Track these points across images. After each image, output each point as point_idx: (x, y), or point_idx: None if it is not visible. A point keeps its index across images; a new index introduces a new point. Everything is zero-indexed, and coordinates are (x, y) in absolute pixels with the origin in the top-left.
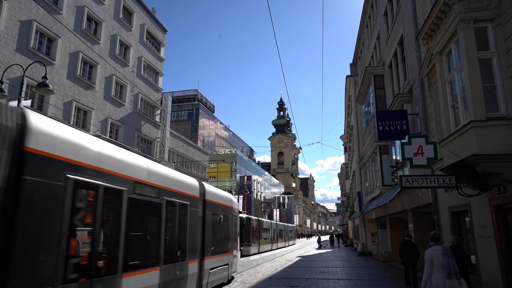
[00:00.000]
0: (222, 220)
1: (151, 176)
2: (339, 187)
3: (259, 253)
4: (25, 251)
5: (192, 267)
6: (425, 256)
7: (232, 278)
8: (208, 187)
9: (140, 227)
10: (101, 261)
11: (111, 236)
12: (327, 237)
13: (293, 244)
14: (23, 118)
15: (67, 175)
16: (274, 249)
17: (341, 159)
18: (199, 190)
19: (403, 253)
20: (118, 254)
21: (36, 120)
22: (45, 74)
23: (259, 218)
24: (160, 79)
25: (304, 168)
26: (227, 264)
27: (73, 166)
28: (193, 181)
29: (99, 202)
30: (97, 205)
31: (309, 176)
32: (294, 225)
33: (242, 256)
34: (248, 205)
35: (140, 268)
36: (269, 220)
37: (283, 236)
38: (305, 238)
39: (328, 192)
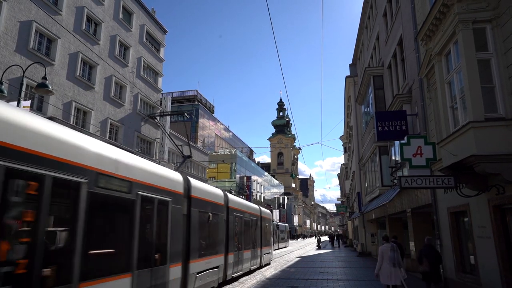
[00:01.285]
0: (267, 226)
1: (249, 209)
2: (338, 187)
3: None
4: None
5: (259, 251)
6: (378, 251)
7: (270, 262)
8: (263, 209)
9: (246, 231)
10: (239, 244)
11: (241, 235)
12: (327, 238)
13: (285, 247)
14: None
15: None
16: None
17: (340, 159)
18: (259, 211)
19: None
20: (248, 243)
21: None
22: (45, 74)
23: None
24: (160, 79)
25: (303, 168)
26: (269, 252)
27: (233, 210)
28: (257, 206)
29: (241, 221)
30: (242, 222)
31: (308, 177)
32: (286, 224)
33: None
34: None
35: (246, 249)
36: None
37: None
38: (301, 238)
39: (327, 192)
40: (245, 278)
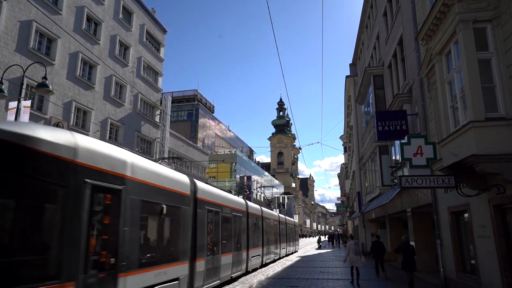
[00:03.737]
0: (297, 230)
1: (291, 221)
2: (336, 187)
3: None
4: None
5: (295, 243)
6: (346, 245)
7: (297, 250)
8: (295, 220)
9: (290, 233)
10: (290, 238)
11: (288, 235)
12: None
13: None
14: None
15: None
16: None
17: (338, 159)
18: (294, 221)
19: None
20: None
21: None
22: (45, 74)
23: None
24: (160, 79)
25: (302, 168)
26: (297, 244)
27: (290, 224)
28: (293, 219)
29: (290, 228)
30: (290, 228)
31: (308, 176)
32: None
33: None
34: None
35: (290, 241)
36: None
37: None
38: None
39: (326, 192)
40: (270, 265)
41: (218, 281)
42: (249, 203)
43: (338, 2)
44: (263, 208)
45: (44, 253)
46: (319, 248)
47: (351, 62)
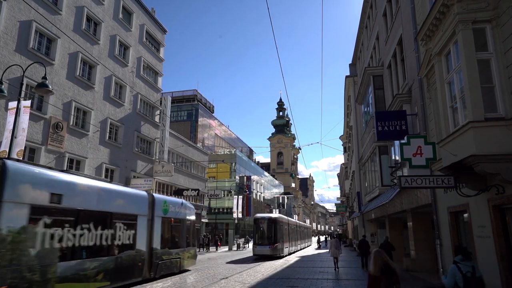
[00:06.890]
0: (310, 231)
1: (306, 225)
2: (335, 188)
3: None
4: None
5: (310, 240)
6: (330, 242)
7: (311, 244)
8: (309, 225)
9: (308, 233)
10: (304, 236)
11: (307, 233)
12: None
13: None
14: None
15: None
16: None
17: (336, 159)
18: (310, 226)
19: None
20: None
21: None
22: (45, 74)
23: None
24: (160, 79)
25: (301, 169)
26: (311, 240)
27: (305, 227)
28: (308, 224)
29: (304, 230)
30: (303, 230)
31: (308, 177)
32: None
33: None
34: (247, 205)
35: (308, 238)
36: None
37: None
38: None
39: (325, 192)
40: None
41: (293, 251)
42: (298, 221)
43: (338, 2)
44: (300, 222)
45: (284, 236)
46: (319, 248)
47: (351, 62)
